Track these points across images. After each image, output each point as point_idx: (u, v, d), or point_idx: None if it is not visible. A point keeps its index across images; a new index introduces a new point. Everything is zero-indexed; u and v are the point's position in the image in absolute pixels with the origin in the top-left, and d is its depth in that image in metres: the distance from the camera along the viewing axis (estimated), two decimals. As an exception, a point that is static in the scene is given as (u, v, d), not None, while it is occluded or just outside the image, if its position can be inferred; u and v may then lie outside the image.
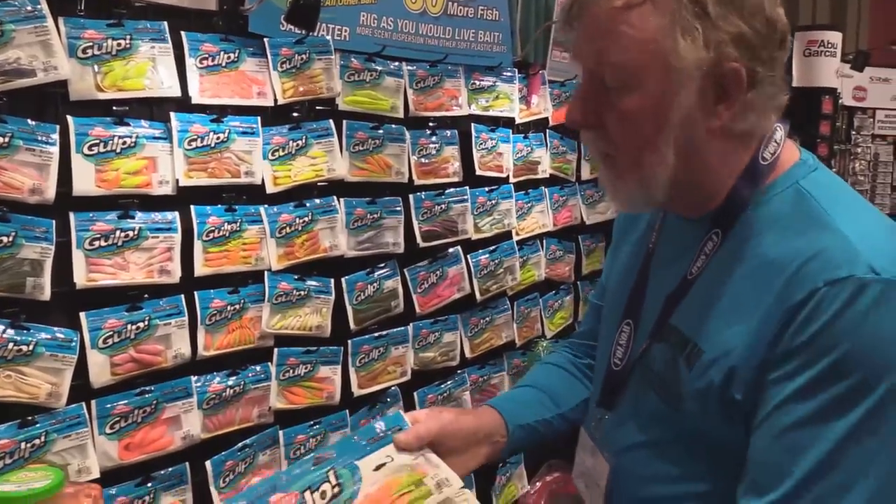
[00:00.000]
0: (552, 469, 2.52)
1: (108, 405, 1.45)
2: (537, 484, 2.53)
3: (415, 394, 2.11)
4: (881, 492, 0.80)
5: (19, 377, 1.32)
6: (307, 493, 0.91)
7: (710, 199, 0.95)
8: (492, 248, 2.31)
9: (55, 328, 1.37)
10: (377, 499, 0.93)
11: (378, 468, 0.97)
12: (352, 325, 1.89)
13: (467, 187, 2.19)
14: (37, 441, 1.35)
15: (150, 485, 1.52)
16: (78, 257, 1.39)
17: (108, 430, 1.44)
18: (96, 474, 1.42)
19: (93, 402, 1.43)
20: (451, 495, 0.95)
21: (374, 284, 1.95)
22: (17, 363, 1.32)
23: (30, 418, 1.34)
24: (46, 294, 1.34)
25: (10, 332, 1.31)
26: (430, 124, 2.10)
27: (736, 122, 0.89)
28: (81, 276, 1.39)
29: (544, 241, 2.58)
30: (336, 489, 0.93)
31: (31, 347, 1.33)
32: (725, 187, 0.94)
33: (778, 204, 0.92)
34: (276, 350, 1.72)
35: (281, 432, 1.74)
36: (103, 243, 1.41)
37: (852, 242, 0.84)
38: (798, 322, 0.83)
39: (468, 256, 2.23)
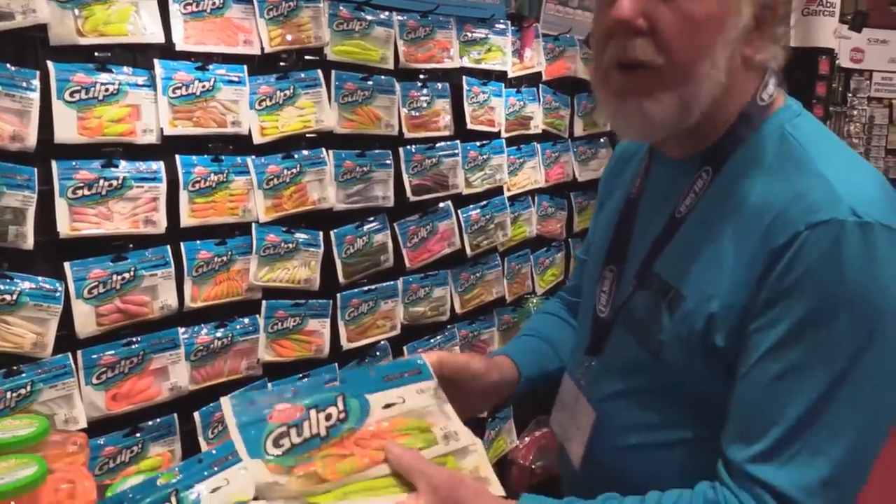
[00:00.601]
0: (541, 424, 2.54)
1: (95, 356, 1.44)
2: (526, 439, 2.55)
3: (404, 348, 2.11)
4: (868, 435, 0.81)
5: (3, 326, 1.31)
6: (312, 411, 0.89)
7: (709, 136, 0.94)
8: (483, 203, 2.30)
9: (39, 277, 1.35)
10: (379, 433, 0.91)
11: (388, 406, 0.95)
12: (341, 279, 1.88)
13: (458, 141, 2.17)
14: (22, 391, 1.34)
15: (138, 435, 1.52)
16: (61, 206, 1.37)
17: (94, 381, 1.44)
18: (83, 424, 1.42)
19: (79, 353, 1.42)
20: (456, 449, 0.93)
21: (364, 238, 1.93)
22: (1, 312, 1.30)
23: (15, 368, 1.33)
24: (29, 243, 1.32)
25: (-7, 281, 1.30)
26: (421, 76, 2.07)
27: (759, 54, 0.88)
28: (65, 226, 1.37)
29: (536, 198, 2.56)
30: (342, 415, 0.91)
31: (14, 297, 1.32)
32: (727, 123, 0.92)
33: (764, 146, 0.91)
34: (264, 303, 1.71)
35: (270, 385, 1.73)
36: (87, 192, 1.39)
37: (834, 186, 0.83)
38: (780, 267, 0.82)
39: (459, 211, 2.21)
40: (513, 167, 2.42)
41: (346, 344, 1.90)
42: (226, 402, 0.88)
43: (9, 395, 1.32)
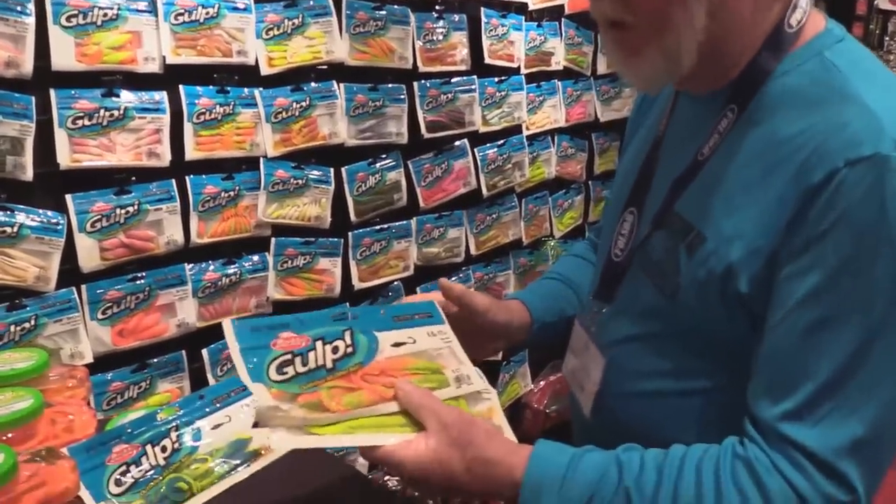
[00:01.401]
0: (556, 369, 2.52)
1: (100, 290, 1.42)
2: (541, 383, 2.53)
3: (417, 289, 2.07)
4: None
5: (5, 259, 1.29)
6: (319, 343, 0.86)
7: (729, 71, 0.86)
8: (500, 142, 2.23)
9: (40, 210, 1.32)
10: (388, 368, 0.88)
11: (397, 345, 0.91)
12: (352, 217, 1.84)
13: (475, 77, 2.09)
14: (27, 324, 1.33)
15: (146, 371, 1.51)
16: (60, 136, 1.33)
17: (100, 316, 1.42)
18: (89, 359, 1.41)
19: (83, 287, 1.40)
20: (468, 393, 0.89)
21: (376, 176, 1.88)
22: (2, 245, 1.28)
23: (18, 301, 1.31)
24: (28, 174, 1.28)
25: (-7, 213, 1.27)
26: (437, 7, 1.98)
27: None
28: (65, 157, 1.33)
29: (556, 138, 2.49)
30: (349, 349, 0.88)
31: (15, 229, 1.29)
32: (747, 56, 0.84)
33: (799, 76, 0.82)
34: (273, 240, 1.68)
35: (280, 320, 1.71)
36: (87, 122, 1.35)
37: (878, 116, 0.74)
38: (816, 208, 0.74)
39: (475, 150, 2.15)
40: (532, 105, 2.34)
41: (357, 284, 1.87)
42: (227, 324, 0.85)
43: (13, 328, 1.31)
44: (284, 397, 0.80)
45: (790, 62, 0.83)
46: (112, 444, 0.92)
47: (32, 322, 1.33)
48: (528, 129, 2.34)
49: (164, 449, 0.95)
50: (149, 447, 0.94)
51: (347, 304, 1.86)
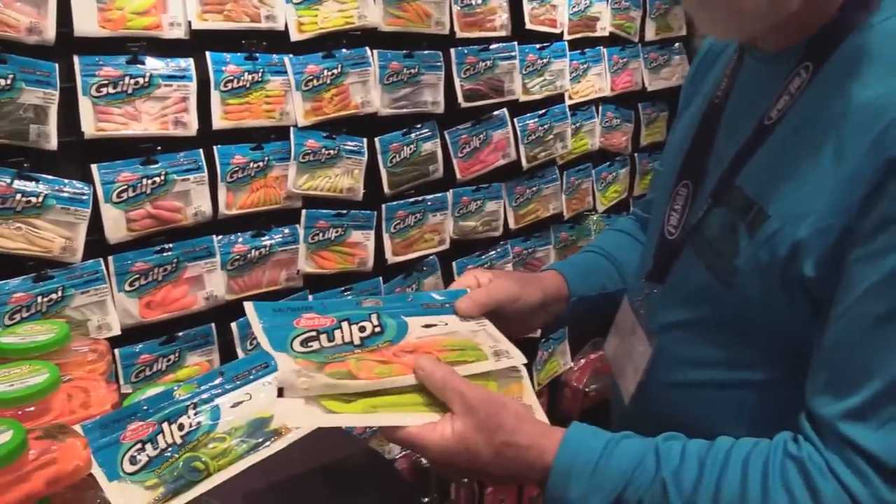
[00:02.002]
0: (597, 347, 2.46)
1: (127, 262, 1.40)
2: (581, 361, 2.48)
3: (453, 263, 2.03)
4: None
5: (30, 230, 1.28)
6: (345, 323, 0.83)
7: (811, 21, 0.77)
8: (541, 111, 2.15)
9: (65, 180, 1.31)
10: (422, 346, 0.84)
11: (428, 326, 0.88)
12: (386, 189, 1.80)
13: (516, 43, 2.01)
14: (54, 295, 1.32)
15: (174, 344, 1.50)
16: (85, 105, 1.30)
17: (127, 288, 1.40)
18: (117, 331, 1.40)
19: (110, 259, 1.38)
20: (507, 367, 0.84)
21: (411, 146, 1.83)
22: (27, 215, 1.27)
23: (44, 272, 1.30)
24: (53, 143, 1.26)
25: (18, 182, 1.25)
26: (476, -30, 1.91)
27: None
28: (90, 125, 1.31)
29: (600, 108, 2.40)
30: (377, 328, 0.84)
31: (40, 199, 1.28)
32: (830, 7, 0.76)
33: (886, 32, 0.73)
34: (303, 212, 1.65)
35: (311, 297, 1.68)
36: (111, 90, 1.32)
37: None
38: None
39: (515, 120, 2.08)
40: (575, 73, 2.26)
41: (391, 257, 1.84)
42: (249, 305, 0.82)
43: (39, 299, 1.30)
44: (310, 367, 0.77)
45: (879, 14, 0.75)
46: (127, 422, 0.90)
47: (59, 293, 1.32)
48: (570, 98, 2.26)
49: (181, 427, 0.92)
50: (165, 425, 0.91)
51: (381, 278, 1.83)
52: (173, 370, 1.51)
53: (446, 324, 0.90)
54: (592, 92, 2.34)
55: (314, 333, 0.81)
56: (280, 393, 0.76)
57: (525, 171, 2.15)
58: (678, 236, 0.90)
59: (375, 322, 0.85)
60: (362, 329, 0.84)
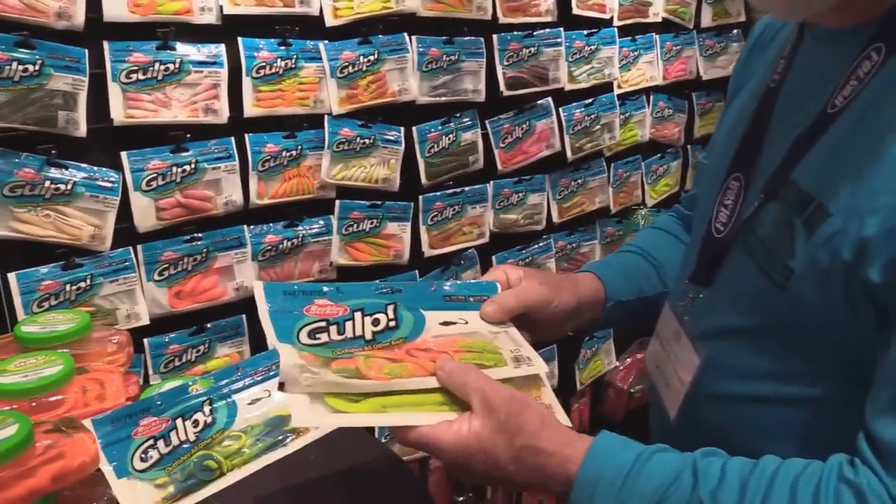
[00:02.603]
0: (643, 346, 2.38)
1: (156, 251, 1.40)
2: (627, 360, 2.41)
3: (493, 257, 1.99)
4: None
5: (59, 217, 1.28)
6: (358, 314, 0.79)
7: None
8: (588, 101, 2.09)
9: (94, 167, 1.30)
10: (437, 346, 0.80)
11: (447, 324, 0.83)
12: (423, 180, 1.76)
13: (562, 29, 1.95)
14: (82, 284, 1.32)
15: (204, 335, 1.49)
16: (114, 91, 1.30)
17: (156, 277, 1.40)
18: (146, 321, 1.39)
19: (139, 247, 1.38)
20: (527, 374, 0.80)
21: (450, 136, 1.78)
22: (56, 202, 1.27)
23: (72, 260, 1.30)
24: (82, 130, 1.26)
25: (46, 169, 1.25)
26: (521, -47, 1.85)
27: None
28: (119, 112, 1.30)
29: (651, 97, 2.32)
30: (391, 323, 0.80)
31: (69, 187, 1.27)
32: None
33: None
34: (337, 202, 1.62)
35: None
36: (141, 76, 1.31)
37: None
38: None
39: (560, 109, 2.01)
40: (625, 61, 2.18)
41: (427, 250, 1.80)
42: (258, 285, 0.78)
43: (68, 287, 1.30)
44: (316, 362, 0.73)
45: None
46: (140, 417, 0.87)
47: (88, 281, 1.32)
48: (619, 87, 2.19)
49: (195, 423, 0.90)
50: (179, 421, 0.89)
51: (416, 272, 1.79)
52: (203, 361, 1.50)
53: (466, 322, 0.85)
54: (643, 81, 2.26)
55: (324, 324, 0.77)
56: (281, 387, 0.72)
57: (570, 162, 2.09)
58: (727, 234, 0.83)
59: (391, 315, 0.81)
60: (376, 322, 0.80)
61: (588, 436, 0.72)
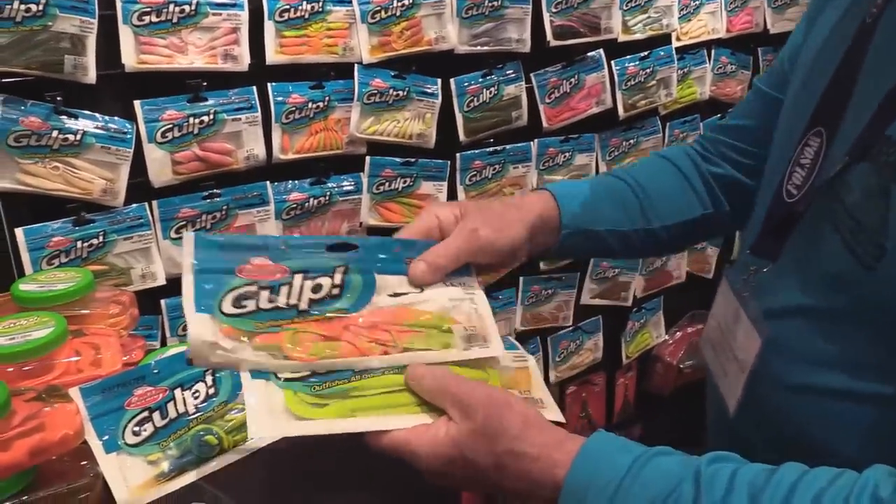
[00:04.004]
0: (695, 319, 2.26)
1: (173, 207, 1.33)
2: (677, 334, 2.30)
3: (536, 221, 1.88)
4: None
5: (69, 170, 1.21)
6: (298, 276, 0.70)
7: None
8: (643, 53, 1.94)
9: (106, 117, 1.23)
10: (380, 322, 0.71)
11: (396, 296, 0.74)
12: (461, 137, 1.66)
13: (616, -27, 1.80)
14: (94, 241, 1.26)
15: (225, 298, 1.42)
16: (126, 34, 1.22)
17: (172, 235, 1.33)
18: (162, 281, 1.33)
19: (154, 203, 1.31)
20: (480, 356, 0.72)
21: (492, 89, 1.67)
22: (65, 154, 1.20)
23: (83, 215, 1.24)
24: (91, 76, 1.19)
25: (54, 118, 1.19)
26: None
27: None
28: (131, 58, 1.23)
29: (713, 51, 2.16)
30: (335, 290, 0.71)
31: (78, 137, 1.21)
32: None
33: None
34: (368, 159, 1.53)
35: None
36: (155, 19, 1.23)
37: None
38: None
39: (612, 63, 1.88)
40: (685, 11, 2.02)
41: (464, 212, 1.70)
42: (189, 237, 0.69)
43: (79, 244, 1.25)
44: (237, 336, 0.65)
45: None
46: (134, 386, 0.80)
47: (101, 238, 1.26)
48: (678, 39, 2.03)
49: (195, 394, 0.83)
50: (178, 391, 0.82)
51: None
52: (224, 325, 1.44)
53: (422, 289, 0.76)
54: (704, 33, 2.10)
55: (254, 288, 0.68)
56: (189, 363, 0.65)
57: (621, 120, 1.96)
58: (801, 199, 0.72)
59: (338, 280, 0.72)
60: (317, 288, 0.71)
61: (579, 437, 0.63)
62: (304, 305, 0.70)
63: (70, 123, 1.20)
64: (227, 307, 0.67)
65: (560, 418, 0.68)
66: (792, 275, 0.72)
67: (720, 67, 2.20)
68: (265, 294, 0.68)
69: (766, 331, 0.72)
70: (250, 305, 0.67)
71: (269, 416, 0.63)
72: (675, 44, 2.03)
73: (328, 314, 0.70)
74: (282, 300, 0.69)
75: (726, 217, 1.00)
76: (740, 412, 0.75)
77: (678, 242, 1.08)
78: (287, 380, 0.66)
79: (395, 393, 0.67)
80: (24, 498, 0.70)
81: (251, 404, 0.64)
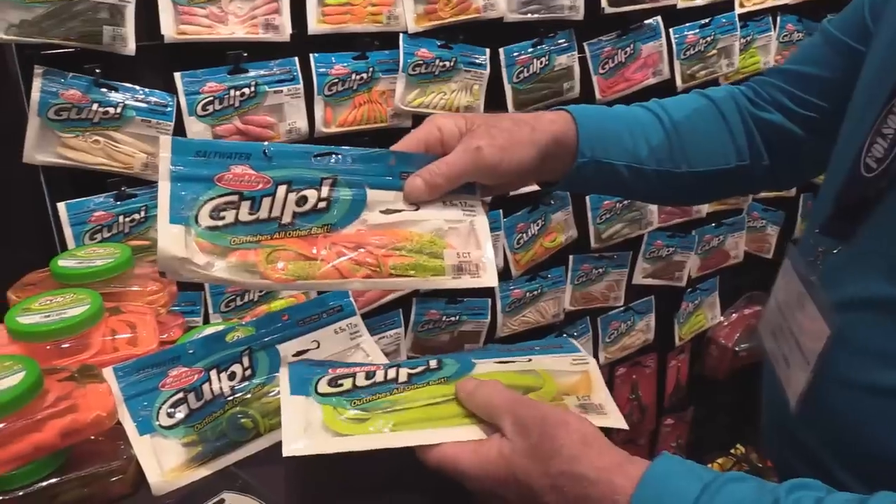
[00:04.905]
0: (753, 301, 2.19)
1: (214, 183, 1.31)
2: (733, 316, 2.23)
3: (586, 199, 1.82)
4: None
5: (109, 143, 1.21)
6: (282, 188, 0.66)
7: None
8: (704, 21, 1.86)
9: (146, 89, 1.22)
10: (367, 240, 0.67)
11: (388, 212, 0.70)
12: (510, 109, 1.61)
13: (676, -65, 1.73)
14: (136, 216, 1.26)
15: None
16: (165, 4, 1.20)
17: (214, 211, 1.32)
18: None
19: (196, 178, 1.29)
20: (470, 286, 0.69)
21: (543, 59, 1.62)
22: (105, 127, 1.20)
23: (124, 190, 1.23)
24: (130, 47, 1.17)
25: (94, 90, 1.17)
26: None
27: None
28: (170, 28, 1.21)
29: (778, 18, 2.06)
30: (321, 204, 0.67)
31: (119, 110, 1.20)
32: None
33: None
34: (413, 133, 1.49)
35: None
36: (194, -13, 1.21)
37: None
38: None
39: (670, 30, 1.81)
40: (750, -26, 1.93)
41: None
42: (165, 140, 0.65)
43: (121, 219, 1.24)
44: (211, 251, 0.63)
45: None
46: (169, 366, 0.79)
47: (142, 213, 1.26)
48: (742, 5, 1.95)
49: (231, 376, 0.81)
50: (213, 372, 0.80)
51: (501, 211, 1.65)
52: (266, 301, 1.43)
53: (417, 207, 0.72)
54: (770, -2, 2.00)
55: (234, 198, 0.65)
56: (161, 275, 0.62)
57: (680, 91, 1.87)
58: (879, 174, 0.66)
59: (325, 193, 0.68)
60: (301, 201, 0.67)
61: (641, 460, 0.58)
62: (287, 219, 0.66)
63: (110, 96, 1.19)
64: (204, 218, 0.64)
65: (623, 425, 0.63)
66: (867, 260, 0.66)
67: (786, 35, 2.10)
68: (246, 205, 0.65)
69: (837, 322, 0.66)
70: (229, 217, 0.64)
71: (304, 434, 0.61)
72: (738, 10, 1.94)
73: (313, 230, 0.67)
74: (263, 212, 0.65)
75: (764, 172, 0.93)
76: (803, 411, 0.69)
77: (704, 193, 1.00)
78: (325, 394, 0.64)
79: (441, 404, 0.64)
80: (56, 479, 0.69)
81: (287, 420, 0.62)
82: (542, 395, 0.65)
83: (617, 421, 0.63)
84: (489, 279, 0.69)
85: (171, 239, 0.61)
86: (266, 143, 0.70)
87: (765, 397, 0.81)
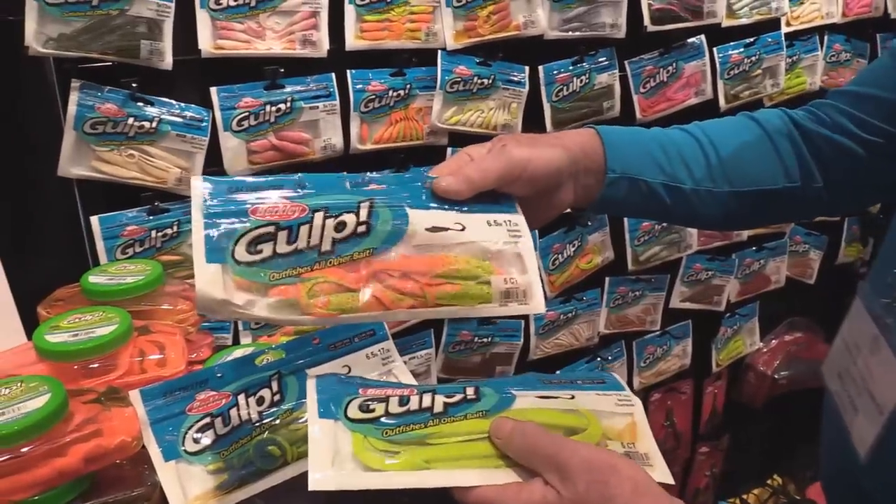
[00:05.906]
0: (793, 327, 2.13)
1: (247, 198, 1.30)
2: (773, 342, 2.17)
3: (625, 220, 1.79)
4: None
5: (143, 158, 1.20)
6: (319, 215, 0.64)
7: None
8: (749, 40, 1.83)
9: (181, 104, 1.22)
10: (412, 267, 0.65)
11: (434, 230, 0.67)
12: (549, 127, 1.58)
13: (721, -47, 1.69)
14: (168, 230, 1.25)
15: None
16: (203, 18, 1.20)
17: (247, 227, 1.30)
18: (235, 274, 1.31)
19: (229, 194, 1.29)
20: (518, 313, 0.66)
21: (583, 77, 1.59)
22: (140, 142, 1.19)
23: (157, 204, 1.23)
24: (167, 62, 1.17)
25: (130, 105, 1.17)
26: None
27: None
28: (208, 42, 1.20)
29: (825, 37, 2.02)
30: (361, 228, 0.65)
31: (154, 125, 1.19)
32: None
33: None
34: (449, 150, 1.48)
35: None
36: (232, 2, 1.21)
37: None
38: None
39: (714, 50, 1.77)
40: (797, -7, 1.89)
41: (549, 208, 1.62)
42: (196, 181, 0.63)
43: (153, 234, 1.24)
44: (250, 288, 0.60)
45: None
46: (196, 390, 0.77)
47: (175, 228, 1.25)
48: (788, 24, 1.91)
49: (260, 401, 0.79)
50: (241, 397, 0.78)
51: (537, 231, 1.62)
52: (296, 319, 1.41)
53: (463, 228, 0.68)
54: (818, 17, 1.96)
55: (271, 229, 0.62)
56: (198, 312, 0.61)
57: (722, 112, 1.84)
58: None
59: (364, 216, 0.65)
60: (340, 226, 0.64)
61: None
62: (326, 246, 0.63)
63: (146, 110, 1.19)
64: (241, 253, 0.61)
65: (669, 479, 0.60)
66: None
67: (833, 55, 2.06)
68: (283, 235, 0.63)
69: None
70: (266, 250, 0.62)
71: (333, 466, 0.59)
72: (784, 29, 1.90)
73: (355, 255, 0.64)
74: (301, 242, 0.63)
75: (817, 195, 0.87)
76: (875, 463, 0.65)
77: (750, 217, 0.95)
78: (356, 421, 0.62)
79: (478, 441, 0.61)
80: (79, 505, 0.68)
81: (315, 448, 0.60)
82: (586, 437, 0.62)
83: (664, 475, 0.60)
84: (537, 305, 0.66)
85: (208, 279, 0.59)
86: (298, 174, 0.68)
87: (825, 438, 0.77)
